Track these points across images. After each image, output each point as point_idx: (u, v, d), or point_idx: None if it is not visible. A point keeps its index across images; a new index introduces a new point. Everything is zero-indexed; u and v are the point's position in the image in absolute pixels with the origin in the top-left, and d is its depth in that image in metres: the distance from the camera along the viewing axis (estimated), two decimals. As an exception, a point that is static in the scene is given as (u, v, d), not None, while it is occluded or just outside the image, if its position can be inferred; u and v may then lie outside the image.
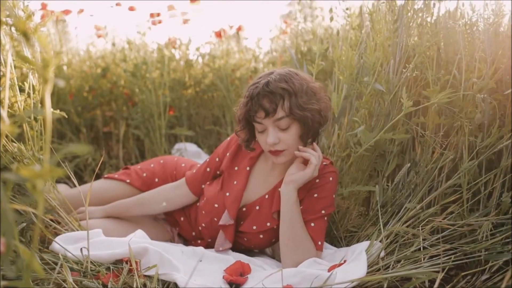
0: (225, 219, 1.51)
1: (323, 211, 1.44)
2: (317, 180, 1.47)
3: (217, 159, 1.60)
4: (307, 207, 1.44)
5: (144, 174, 1.80)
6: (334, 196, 1.48)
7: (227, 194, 1.53)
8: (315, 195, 1.45)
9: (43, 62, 0.58)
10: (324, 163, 1.50)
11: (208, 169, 1.62)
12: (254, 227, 1.49)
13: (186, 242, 1.71)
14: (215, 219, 1.54)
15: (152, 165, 1.84)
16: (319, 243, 1.40)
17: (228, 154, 1.58)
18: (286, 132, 1.37)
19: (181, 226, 1.70)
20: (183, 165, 1.81)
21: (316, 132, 1.41)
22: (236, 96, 2.66)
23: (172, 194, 1.65)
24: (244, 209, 1.53)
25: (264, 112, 1.34)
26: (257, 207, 1.51)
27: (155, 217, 1.75)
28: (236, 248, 1.56)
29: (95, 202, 1.76)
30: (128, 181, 1.78)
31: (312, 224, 1.42)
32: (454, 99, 1.48)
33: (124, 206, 1.67)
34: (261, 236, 1.50)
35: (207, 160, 1.64)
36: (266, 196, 1.51)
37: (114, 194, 1.77)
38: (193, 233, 1.67)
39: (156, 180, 1.79)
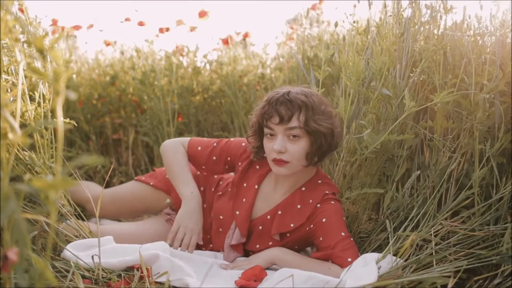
0: (237, 237, 1.51)
1: (342, 233, 1.40)
2: (318, 205, 1.46)
3: (228, 158, 1.58)
4: (325, 232, 1.41)
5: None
6: (345, 223, 1.45)
7: (237, 212, 1.53)
8: (324, 220, 1.42)
9: (54, 74, 0.59)
10: (326, 191, 1.48)
11: (214, 158, 1.59)
12: (258, 246, 1.50)
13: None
14: (220, 229, 1.57)
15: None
16: (349, 259, 1.35)
17: (240, 167, 1.57)
18: (294, 144, 1.37)
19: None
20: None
21: (323, 153, 1.41)
22: (243, 102, 2.67)
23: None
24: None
25: (279, 118, 1.35)
26: (260, 227, 1.51)
27: (168, 218, 1.74)
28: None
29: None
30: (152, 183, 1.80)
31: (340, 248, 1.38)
32: (463, 102, 1.48)
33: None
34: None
35: (214, 146, 1.59)
36: (268, 217, 1.51)
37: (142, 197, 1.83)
38: (208, 236, 1.66)
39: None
